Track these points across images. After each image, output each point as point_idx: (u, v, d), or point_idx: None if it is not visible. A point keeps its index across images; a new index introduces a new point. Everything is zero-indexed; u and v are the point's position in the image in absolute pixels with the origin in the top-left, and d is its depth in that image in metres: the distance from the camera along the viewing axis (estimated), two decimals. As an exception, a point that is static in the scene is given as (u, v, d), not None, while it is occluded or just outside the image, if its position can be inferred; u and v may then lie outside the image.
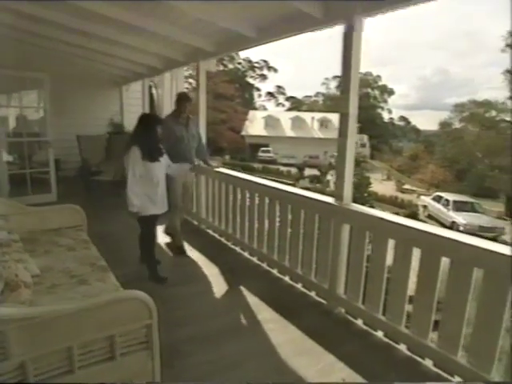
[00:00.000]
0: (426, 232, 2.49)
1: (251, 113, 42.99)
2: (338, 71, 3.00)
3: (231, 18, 3.62)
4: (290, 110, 54.17)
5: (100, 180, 6.69)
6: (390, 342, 2.73)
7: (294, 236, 3.67)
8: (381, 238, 2.81)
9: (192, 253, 4.38)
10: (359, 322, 2.99)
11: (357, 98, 2.96)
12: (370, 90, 43.43)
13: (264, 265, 4.08)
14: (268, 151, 38.45)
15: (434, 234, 2.44)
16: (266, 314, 3.09)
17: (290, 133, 40.81)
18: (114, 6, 3.93)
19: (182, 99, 4.18)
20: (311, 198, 3.47)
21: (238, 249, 4.53)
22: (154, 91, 8.85)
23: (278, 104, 55.87)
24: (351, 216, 3.04)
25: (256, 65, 45.91)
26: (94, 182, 6.70)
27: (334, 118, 41.83)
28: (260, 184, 4.17)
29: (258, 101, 54.43)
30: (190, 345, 2.62)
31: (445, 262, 2.38)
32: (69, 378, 1.78)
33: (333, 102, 51.04)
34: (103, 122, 8.52)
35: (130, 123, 6.53)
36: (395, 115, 54.99)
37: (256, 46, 4.03)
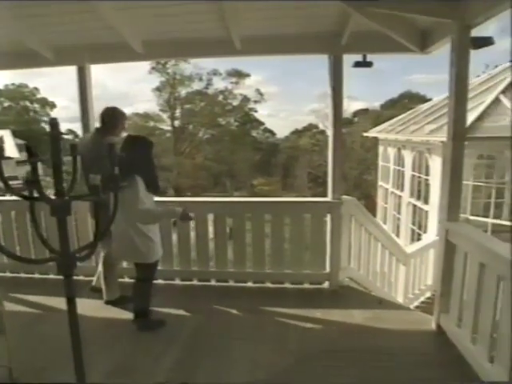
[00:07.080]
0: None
1: None
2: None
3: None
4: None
5: None
6: (186, 282, 4.01)
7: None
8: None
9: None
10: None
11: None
12: (29, 104, 39.13)
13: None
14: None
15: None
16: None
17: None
18: None
19: (121, 115, 3.34)
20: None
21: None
22: None
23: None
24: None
25: None
26: None
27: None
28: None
29: None
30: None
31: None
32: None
33: None
34: None
35: None
36: (62, 128, 53.00)
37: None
